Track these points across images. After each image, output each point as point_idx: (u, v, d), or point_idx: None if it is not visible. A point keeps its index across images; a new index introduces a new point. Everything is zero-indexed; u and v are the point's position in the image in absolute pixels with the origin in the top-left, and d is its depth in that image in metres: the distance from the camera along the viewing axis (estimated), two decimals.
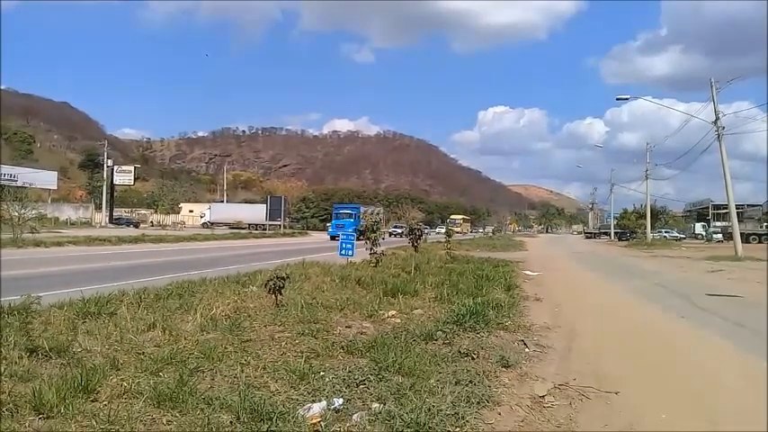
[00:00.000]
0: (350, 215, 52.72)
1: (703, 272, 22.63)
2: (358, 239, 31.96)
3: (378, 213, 57.18)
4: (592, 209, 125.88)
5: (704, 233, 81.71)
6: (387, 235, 54.34)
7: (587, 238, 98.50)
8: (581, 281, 19.44)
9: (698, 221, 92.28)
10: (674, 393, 5.87)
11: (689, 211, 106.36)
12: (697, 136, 40.17)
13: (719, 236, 68.25)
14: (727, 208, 38.57)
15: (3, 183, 58.47)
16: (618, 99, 41.67)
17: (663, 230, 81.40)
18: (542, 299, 12.78)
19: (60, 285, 11.83)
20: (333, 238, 46.59)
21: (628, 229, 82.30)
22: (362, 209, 54.31)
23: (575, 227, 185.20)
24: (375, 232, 18.10)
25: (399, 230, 58.58)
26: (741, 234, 34.91)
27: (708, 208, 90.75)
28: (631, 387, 5.92)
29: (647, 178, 60.00)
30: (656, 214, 79.94)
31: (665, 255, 37.50)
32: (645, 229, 64.08)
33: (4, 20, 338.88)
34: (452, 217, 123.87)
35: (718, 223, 78.65)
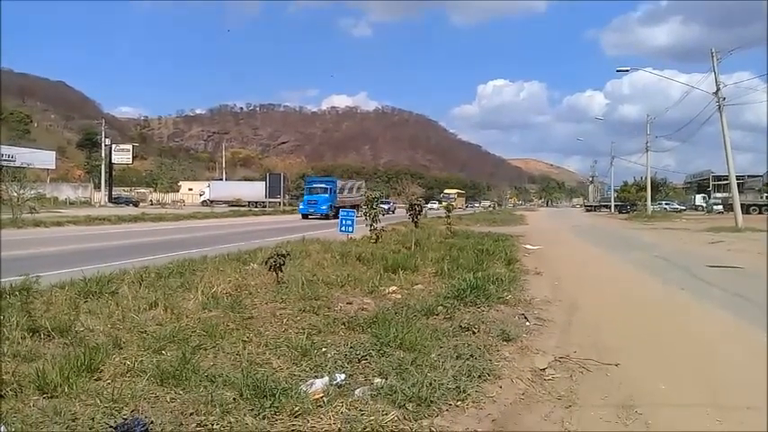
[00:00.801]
0: (324, 190, 46.75)
1: (703, 243, 22.66)
2: (332, 216, 31.05)
3: (359, 188, 54.03)
4: (592, 182, 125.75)
5: (704, 205, 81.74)
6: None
7: (587, 211, 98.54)
8: (581, 254, 19.46)
9: (698, 193, 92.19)
10: (675, 365, 5.90)
11: (689, 182, 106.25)
12: (698, 107, 39.86)
13: (720, 207, 68.26)
14: (727, 179, 38.48)
15: (1, 163, 58.34)
16: (618, 71, 41.39)
17: (663, 202, 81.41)
18: (542, 273, 12.81)
19: (61, 265, 11.85)
20: (305, 216, 43.87)
21: (628, 201, 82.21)
22: (339, 183, 50.45)
23: (575, 200, 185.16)
24: (375, 209, 18.03)
25: (386, 206, 54.93)
26: (741, 205, 34.88)
27: (708, 179, 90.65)
28: (631, 359, 5.96)
29: (647, 150, 59.81)
30: (656, 186, 79.88)
31: (666, 227, 37.53)
32: (645, 201, 64.04)
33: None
34: (446, 192, 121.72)
35: (718, 194, 78.60)
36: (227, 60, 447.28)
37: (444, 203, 53.04)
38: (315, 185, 48.21)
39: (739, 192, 34.81)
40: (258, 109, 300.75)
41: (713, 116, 34.71)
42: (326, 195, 45.61)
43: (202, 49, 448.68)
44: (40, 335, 5.82)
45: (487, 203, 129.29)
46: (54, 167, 79.53)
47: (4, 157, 64.78)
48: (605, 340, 6.73)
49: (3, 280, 8.28)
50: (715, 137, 35.10)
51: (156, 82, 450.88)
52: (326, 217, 41.50)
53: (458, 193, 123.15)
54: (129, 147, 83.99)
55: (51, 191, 62.94)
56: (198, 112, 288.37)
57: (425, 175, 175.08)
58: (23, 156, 69.07)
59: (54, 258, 14.29)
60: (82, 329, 6.09)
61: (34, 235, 22.65)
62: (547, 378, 5.32)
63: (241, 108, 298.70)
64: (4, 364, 4.87)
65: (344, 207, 38.11)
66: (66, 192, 71.15)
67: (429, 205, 77.11)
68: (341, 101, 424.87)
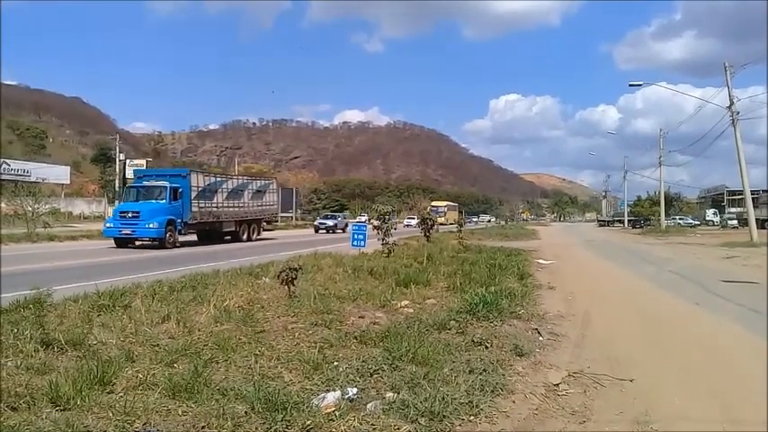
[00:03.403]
0: (158, 193, 26.32)
1: (718, 258, 22.46)
2: (171, 244, 23.97)
3: (266, 190, 35.47)
4: (605, 196, 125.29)
5: (715, 219, 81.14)
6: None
7: (600, 226, 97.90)
8: (594, 269, 19.34)
9: (713, 208, 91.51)
10: (689, 380, 5.84)
11: (703, 197, 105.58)
12: (711, 121, 39.78)
13: (735, 222, 67.73)
14: (742, 194, 38.20)
15: (15, 178, 58.92)
16: (631, 85, 41.98)
17: (677, 217, 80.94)
18: (556, 287, 12.73)
19: (74, 279, 11.91)
20: (118, 241, 25.14)
21: (641, 216, 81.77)
22: (201, 179, 29.18)
23: (588, 215, 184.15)
24: (387, 223, 18.02)
25: (413, 222, 51.50)
26: (756, 220, 34.61)
27: (723, 194, 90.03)
28: (646, 374, 5.89)
29: (660, 165, 59.48)
30: (669, 201, 79.43)
31: (680, 242, 37.24)
32: (659, 216, 63.62)
33: (15, 16, 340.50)
34: (434, 204, 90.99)
35: (733, 209, 78.04)
36: (240, 76, 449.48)
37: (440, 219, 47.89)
38: (144, 183, 27.73)
39: (754, 207, 34.49)
40: (271, 124, 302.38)
41: (727, 130, 34.54)
42: (162, 203, 25.77)
43: (216, 64, 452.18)
44: (53, 348, 5.84)
45: (487, 218, 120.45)
46: (68, 182, 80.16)
47: (18, 172, 65.48)
48: (619, 355, 6.66)
49: (17, 294, 8.33)
50: (729, 151, 34.88)
51: (169, 97, 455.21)
52: (161, 243, 24.82)
53: (448, 205, 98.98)
54: (143, 162, 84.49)
55: (66, 205, 63.32)
56: (211, 127, 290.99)
57: (437, 190, 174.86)
58: (38, 171, 69.79)
59: (67, 272, 14.37)
60: (95, 342, 6.10)
61: (48, 249, 22.85)
62: (560, 393, 5.27)
63: (254, 123, 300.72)
64: (17, 376, 4.89)
65: (237, 220, 31.22)
66: (81, 206, 71.45)
67: (405, 221, 69.91)
68: (353, 116, 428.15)
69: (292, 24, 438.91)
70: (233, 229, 31.00)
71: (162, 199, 25.97)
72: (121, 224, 25.43)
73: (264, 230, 35.89)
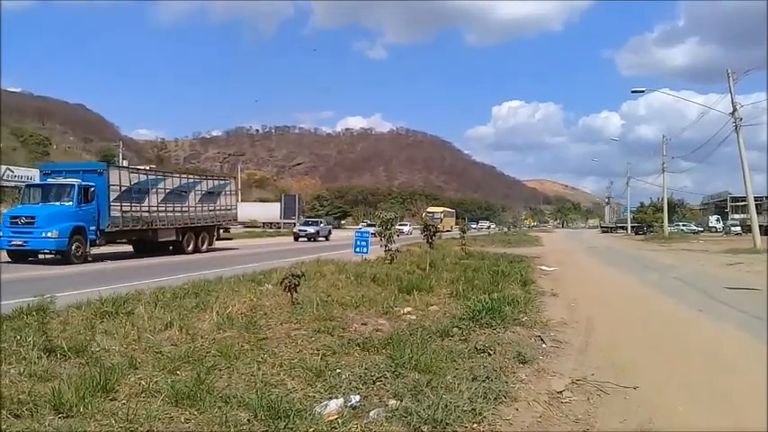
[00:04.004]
0: (65, 192, 21.36)
1: (721, 265, 22.41)
2: (80, 258, 19.44)
3: (221, 191, 30.04)
4: (608, 203, 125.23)
5: (718, 226, 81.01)
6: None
7: (603, 232, 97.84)
8: (598, 276, 19.32)
9: (716, 214, 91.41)
10: (694, 387, 5.81)
11: (706, 203, 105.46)
12: (715, 127, 39.79)
13: (738, 228, 67.60)
14: (745, 200, 38.15)
15: (19, 184, 59.00)
16: (633, 92, 41.38)
17: (680, 224, 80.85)
18: (559, 294, 12.72)
19: (77, 285, 11.94)
20: (11, 254, 20.64)
21: (644, 222, 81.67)
22: (113, 171, 23.26)
23: (591, 221, 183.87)
24: (390, 229, 18.03)
25: (405, 229, 50.37)
26: (760, 226, 34.54)
27: (726, 200, 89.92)
28: (650, 381, 5.87)
29: (663, 171, 59.51)
30: (673, 207, 79.43)
31: (683, 248, 37.19)
32: (662, 222, 63.55)
33: (18, 22, 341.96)
34: (430, 210, 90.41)
35: (736, 216, 77.93)
36: (243, 82, 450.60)
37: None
38: (49, 182, 22.62)
39: (757, 213, 34.43)
40: (274, 131, 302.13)
41: (730, 137, 34.56)
42: (66, 206, 20.88)
43: (219, 71, 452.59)
44: (56, 355, 5.84)
45: (486, 224, 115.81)
46: None
47: (22, 179, 65.63)
48: (623, 362, 6.64)
49: (20, 301, 8.35)
50: (732, 157, 34.86)
51: (173, 104, 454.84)
52: (65, 257, 20.07)
53: (444, 211, 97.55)
54: (147, 168, 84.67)
55: None
56: (214, 134, 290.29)
57: (440, 196, 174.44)
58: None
59: (70, 279, 14.39)
60: (98, 349, 6.10)
61: None
62: (564, 401, 5.25)
63: (257, 130, 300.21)
64: (20, 383, 4.89)
65: (180, 227, 25.91)
66: None
67: (398, 226, 71.54)
68: (356, 122, 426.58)
69: (295, 31, 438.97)
70: (173, 238, 25.79)
71: (68, 201, 20.91)
72: (12, 233, 20.25)
73: (222, 239, 31.56)
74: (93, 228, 21.35)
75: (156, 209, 24.69)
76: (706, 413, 5.02)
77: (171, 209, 25.63)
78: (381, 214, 19.47)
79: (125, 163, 77.26)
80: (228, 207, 30.73)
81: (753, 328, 8.92)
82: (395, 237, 18.45)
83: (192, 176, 30.02)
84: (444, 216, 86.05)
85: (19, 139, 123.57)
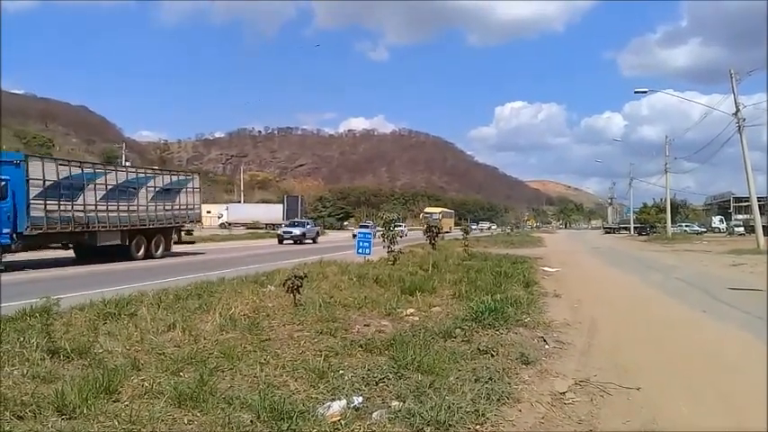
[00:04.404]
0: None
1: (725, 265, 22.37)
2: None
3: (188, 184, 27.38)
4: (611, 204, 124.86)
5: (721, 227, 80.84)
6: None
7: (606, 233, 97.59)
8: (601, 277, 19.29)
9: (719, 215, 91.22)
10: (696, 387, 5.80)
11: (710, 204, 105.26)
12: (718, 128, 39.65)
13: (741, 229, 67.47)
14: (748, 201, 38.08)
15: None
16: (636, 92, 41.36)
17: (683, 224, 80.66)
18: (561, 295, 12.71)
19: (80, 287, 11.95)
20: None
21: (647, 223, 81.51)
22: (34, 163, 19.60)
23: (594, 222, 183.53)
24: (393, 230, 18.03)
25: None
26: (763, 227, 34.44)
27: (729, 201, 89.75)
28: (653, 382, 5.86)
29: (666, 172, 59.45)
30: (676, 208, 79.30)
31: (686, 249, 37.11)
32: (665, 223, 63.47)
33: (22, 24, 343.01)
34: (427, 210, 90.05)
35: (739, 216, 77.76)
36: (246, 84, 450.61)
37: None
38: None
39: (761, 213, 34.37)
40: (276, 132, 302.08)
41: (733, 137, 34.53)
42: None
43: (222, 72, 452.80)
44: (59, 356, 5.85)
45: (486, 225, 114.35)
46: None
47: None
48: (626, 363, 6.63)
49: (24, 302, 8.37)
50: (736, 158, 34.87)
51: (175, 106, 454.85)
52: None
53: (443, 212, 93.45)
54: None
55: None
56: (217, 135, 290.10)
57: (442, 197, 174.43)
58: None
59: (73, 280, 14.41)
60: (101, 351, 6.11)
61: (55, 255, 22.83)
62: (567, 402, 5.24)
63: (259, 131, 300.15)
64: (24, 385, 4.90)
65: (127, 229, 22.28)
66: None
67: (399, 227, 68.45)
68: (358, 123, 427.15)
69: (297, 32, 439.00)
70: (117, 241, 22.28)
71: None
72: None
73: (183, 242, 28.02)
74: (6, 231, 17.88)
75: (93, 208, 21.13)
76: (709, 414, 5.01)
77: (114, 208, 22.08)
78: (384, 215, 19.48)
79: (128, 164, 77.54)
80: (190, 206, 27.10)
81: (756, 328, 8.89)
82: (397, 238, 18.42)
83: (144, 170, 26.27)
84: (443, 217, 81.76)
85: (22, 141, 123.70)
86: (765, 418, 4.75)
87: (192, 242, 31.26)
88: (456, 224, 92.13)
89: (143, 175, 24.71)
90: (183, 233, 27.88)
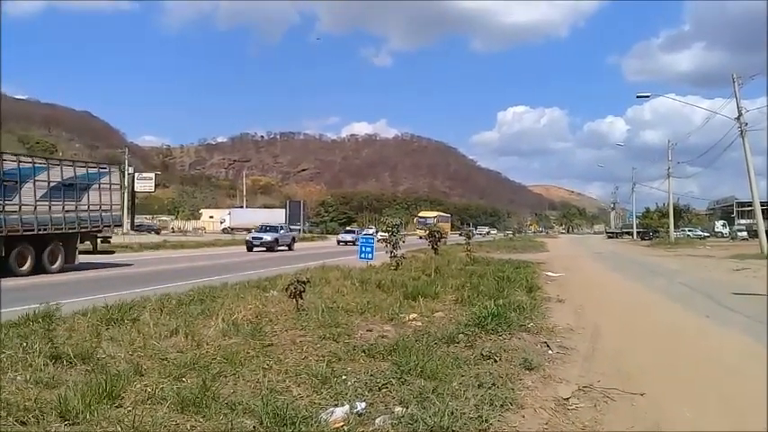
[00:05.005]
0: None
1: (728, 270, 22.33)
2: None
3: (102, 179, 21.42)
4: (613, 208, 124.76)
5: (724, 231, 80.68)
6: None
7: (609, 237, 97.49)
8: (604, 282, 19.26)
9: (722, 219, 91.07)
10: (700, 392, 5.79)
11: (713, 209, 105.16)
12: (720, 132, 39.64)
13: (744, 233, 67.35)
14: (751, 205, 38.01)
15: None
16: (638, 96, 41.39)
17: (686, 229, 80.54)
18: (565, 300, 12.68)
19: (83, 292, 11.95)
20: None
21: (650, 228, 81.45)
22: None
23: (596, 227, 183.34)
24: (396, 235, 18.05)
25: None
26: (766, 232, 34.35)
27: (732, 205, 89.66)
28: (657, 387, 5.84)
29: (669, 176, 59.35)
30: (679, 213, 79.13)
31: (689, 254, 37.04)
32: (668, 227, 63.37)
33: (25, 30, 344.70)
34: (421, 215, 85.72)
35: (742, 221, 77.67)
36: (249, 88, 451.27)
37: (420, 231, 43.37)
38: None
39: (764, 218, 34.29)
40: (279, 137, 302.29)
41: (736, 141, 34.45)
42: None
43: (225, 78, 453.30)
44: (62, 362, 5.84)
45: (485, 230, 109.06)
46: None
47: None
48: (629, 368, 6.61)
49: (26, 307, 8.37)
50: (739, 162, 34.70)
51: (178, 111, 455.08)
52: None
53: (438, 216, 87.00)
54: (152, 175, 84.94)
55: None
56: (219, 140, 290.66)
57: (445, 202, 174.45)
58: None
59: (76, 286, 14.42)
60: (103, 356, 6.11)
61: None
62: (570, 408, 5.23)
63: (262, 136, 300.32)
64: (26, 390, 4.89)
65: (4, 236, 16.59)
66: None
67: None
68: (361, 128, 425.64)
69: (301, 38, 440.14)
70: None
71: None
72: None
73: (96, 252, 22.67)
74: None
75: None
76: (713, 419, 4.99)
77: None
78: (387, 220, 19.51)
79: (131, 169, 77.59)
80: (105, 207, 21.30)
81: (759, 333, 8.85)
82: (403, 242, 18.42)
83: (31, 159, 19.65)
84: (438, 221, 73.26)
85: (25, 146, 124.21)
86: (766, 421, 4.74)
87: (112, 252, 26.71)
88: (455, 229, 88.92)
89: (29, 165, 18.54)
90: (98, 241, 23.06)
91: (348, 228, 68.77)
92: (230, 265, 23.60)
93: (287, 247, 38.29)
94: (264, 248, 35.87)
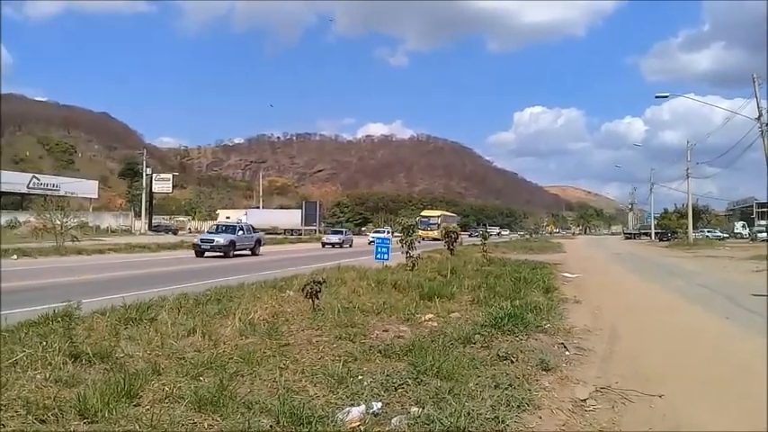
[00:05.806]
0: None
1: (748, 272, 22.06)
2: None
3: None
4: (631, 209, 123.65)
5: (744, 232, 79.78)
6: None
7: (627, 238, 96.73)
8: (621, 282, 19.10)
9: (742, 220, 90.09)
10: (720, 395, 5.72)
11: (732, 209, 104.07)
12: (740, 133, 39.21)
13: (764, 234, 66.54)
14: None
15: (45, 192, 60.10)
16: (657, 97, 41.06)
17: (705, 230, 79.71)
18: (582, 301, 12.60)
19: (102, 292, 12.06)
20: None
21: (669, 229, 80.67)
22: None
23: (614, 228, 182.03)
24: (411, 236, 18.02)
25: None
26: None
27: (752, 206, 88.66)
28: (675, 389, 5.79)
29: (687, 177, 58.76)
30: (697, 213, 78.25)
31: (708, 255, 36.64)
32: (686, 228, 62.74)
33: (45, 33, 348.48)
34: (424, 214, 76.89)
35: (762, 222, 76.76)
36: (266, 90, 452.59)
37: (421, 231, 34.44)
38: None
39: None
40: (295, 138, 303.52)
41: (756, 142, 34.01)
42: None
43: (242, 79, 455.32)
44: (81, 360, 5.90)
45: (496, 230, 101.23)
46: (97, 196, 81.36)
47: (48, 186, 66.77)
48: (647, 370, 6.56)
49: (46, 307, 8.45)
50: (758, 163, 34.20)
51: (196, 112, 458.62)
52: None
53: (443, 216, 78.53)
54: (170, 176, 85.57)
55: (93, 219, 64.33)
56: (236, 141, 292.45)
57: (460, 203, 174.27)
58: (67, 185, 71.12)
59: (95, 285, 14.55)
60: (122, 355, 6.16)
61: (76, 262, 23.14)
62: (588, 409, 5.19)
63: (278, 137, 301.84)
64: (46, 389, 4.94)
65: None
66: (108, 220, 72.50)
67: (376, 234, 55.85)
68: (376, 129, 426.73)
69: (317, 39, 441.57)
70: None
71: None
72: None
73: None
74: None
75: None
76: (733, 421, 4.93)
77: None
78: (402, 221, 19.48)
79: (149, 170, 78.22)
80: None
81: None
82: (418, 243, 18.37)
83: None
84: (443, 221, 66.12)
85: (45, 147, 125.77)
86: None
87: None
88: (465, 229, 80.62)
89: None
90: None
91: (334, 228, 60.84)
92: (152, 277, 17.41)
93: (251, 252, 31.10)
94: (222, 254, 28.34)
